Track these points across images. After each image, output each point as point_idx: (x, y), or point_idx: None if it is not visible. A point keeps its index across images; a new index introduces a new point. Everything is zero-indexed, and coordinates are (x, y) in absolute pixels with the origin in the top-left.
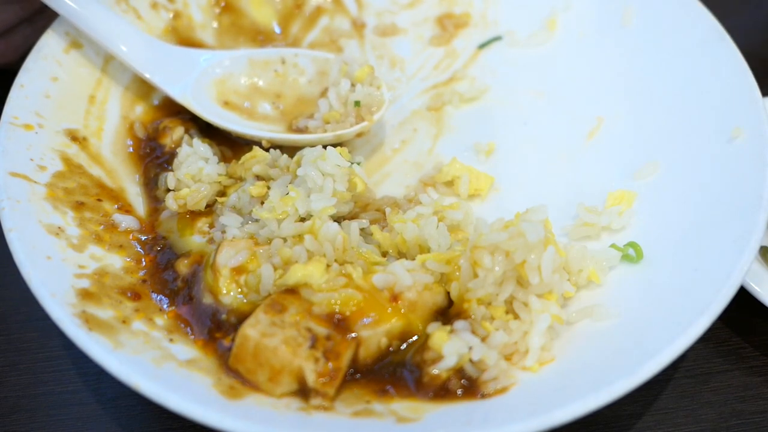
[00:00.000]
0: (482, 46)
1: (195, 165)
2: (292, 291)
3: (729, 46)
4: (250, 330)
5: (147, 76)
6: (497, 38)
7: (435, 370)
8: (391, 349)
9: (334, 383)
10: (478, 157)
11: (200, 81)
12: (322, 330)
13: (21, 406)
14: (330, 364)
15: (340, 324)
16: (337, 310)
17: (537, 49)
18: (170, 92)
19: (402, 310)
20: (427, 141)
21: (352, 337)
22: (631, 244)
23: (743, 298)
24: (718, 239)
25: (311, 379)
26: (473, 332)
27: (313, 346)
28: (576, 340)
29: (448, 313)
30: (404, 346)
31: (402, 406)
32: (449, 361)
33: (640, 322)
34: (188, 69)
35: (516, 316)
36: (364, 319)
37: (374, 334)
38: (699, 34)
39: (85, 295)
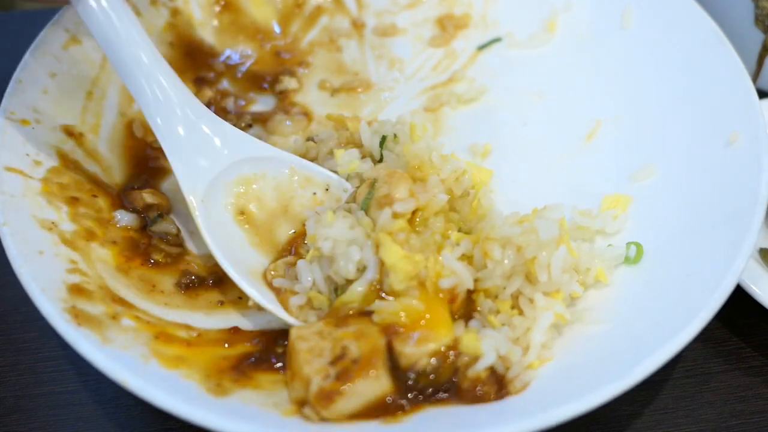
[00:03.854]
0: (482, 47)
1: None
2: (367, 314)
3: (727, 50)
4: (295, 330)
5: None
6: (497, 39)
7: (473, 372)
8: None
9: (329, 405)
10: (475, 158)
11: (223, 176)
12: (355, 352)
13: (21, 406)
14: (337, 386)
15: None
16: (396, 320)
17: (536, 50)
18: (183, 187)
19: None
20: None
21: (374, 373)
22: (634, 244)
23: (743, 299)
24: (713, 243)
25: (312, 391)
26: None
27: (332, 363)
28: (569, 342)
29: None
30: (434, 360)
31: None
32: (488, 359)
33: (633, 325)
34: (216, 155)
35: (521, 312)
36: (414, 334)
37: (418, 353)
38: (698, 38)
39: (76, 290)
